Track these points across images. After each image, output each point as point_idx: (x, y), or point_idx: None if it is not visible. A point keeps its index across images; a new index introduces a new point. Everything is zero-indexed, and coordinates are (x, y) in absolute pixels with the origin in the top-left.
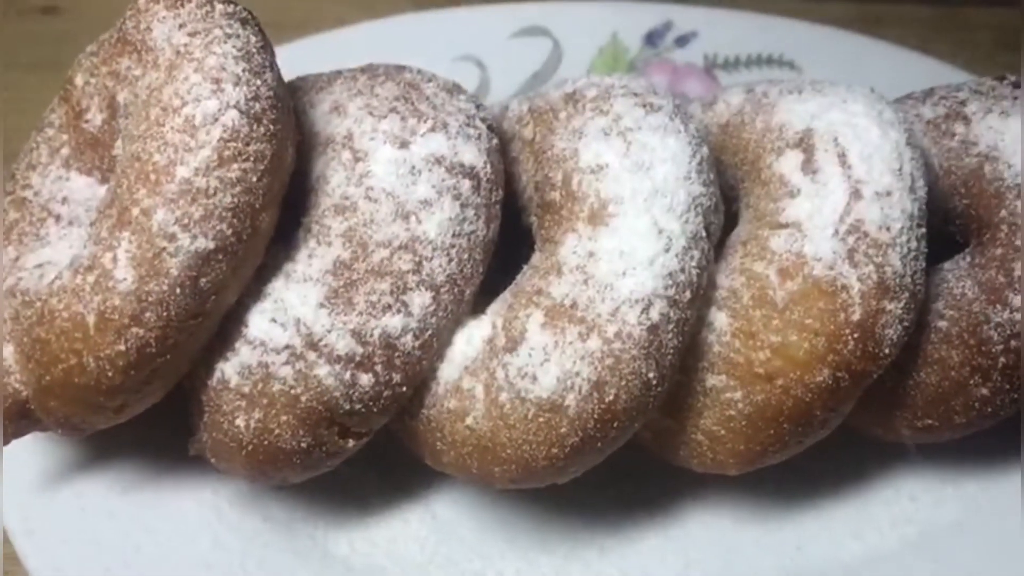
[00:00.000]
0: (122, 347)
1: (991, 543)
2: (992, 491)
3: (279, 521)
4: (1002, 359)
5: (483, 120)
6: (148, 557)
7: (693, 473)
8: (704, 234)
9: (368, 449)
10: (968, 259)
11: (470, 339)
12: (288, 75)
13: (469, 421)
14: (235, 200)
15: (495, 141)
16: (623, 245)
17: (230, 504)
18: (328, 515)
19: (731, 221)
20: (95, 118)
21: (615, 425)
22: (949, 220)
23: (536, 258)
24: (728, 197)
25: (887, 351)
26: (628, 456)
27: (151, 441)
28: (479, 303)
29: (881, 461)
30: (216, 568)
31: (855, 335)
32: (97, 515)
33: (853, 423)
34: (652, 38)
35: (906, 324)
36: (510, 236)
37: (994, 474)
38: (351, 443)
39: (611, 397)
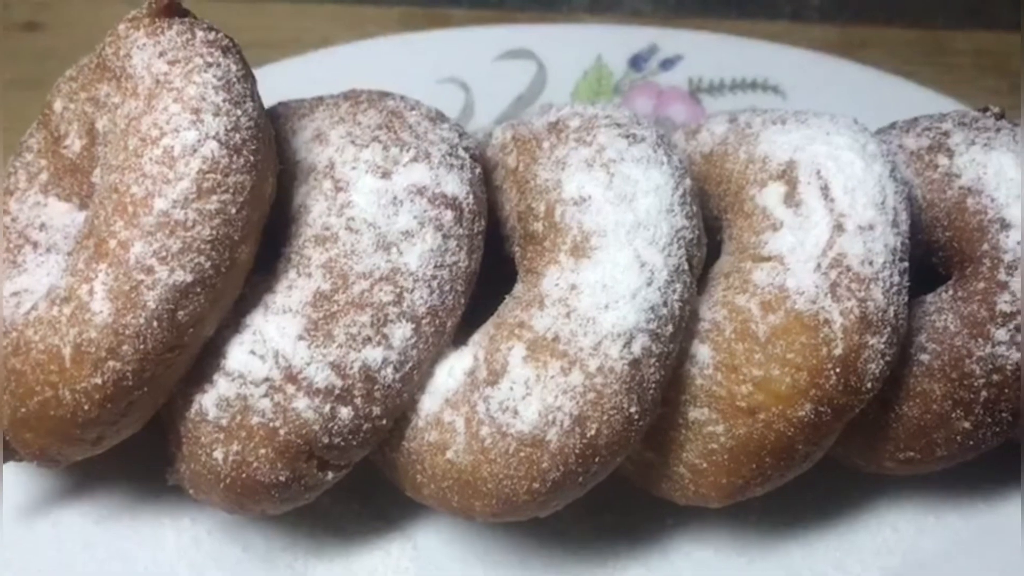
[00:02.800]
0: (99, 380)
1: (973, 574)
2: (974, 522)
3: (259, 551)
4: (984, 393)
5: (466, 149)
6: None
7: (676, 504)
8: (687, 267)
9: (349, 479)
10: (950, 292)
11: (451, 371)
12: (272, 96)
13: (450, 455)
14: (214, 232)
15: (478, 171)
16: (605, 278)
17: (209, 533)
18: (308, 545)
19: (714, 251)
20: (74, 144)
21: (597, 460)
22: (932, 252)
23: (518, 289)
24: (711, 227)
25: (869, 385)
26: (610, 487)
27: (128, 470)
28: (461, 334)
29: (864, 492)
30: None
31: (837, 370)
32: (74, 545)
33: (835, 454)
34: (637, 61)
35: (888, 359)
36: (493, 265)
37: (976, 505)
38: (330, 476)
39: (593, 432)
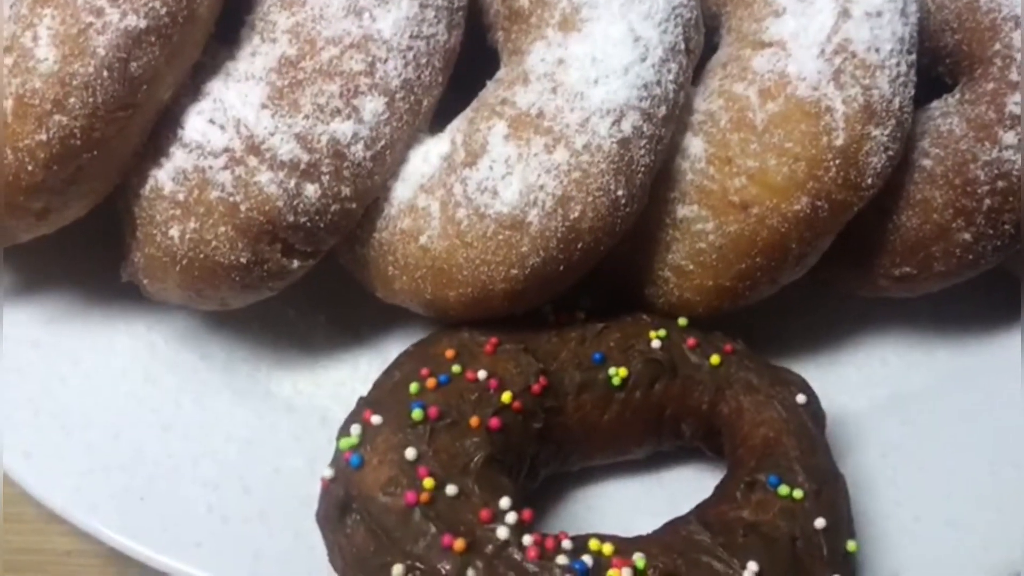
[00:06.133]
0: (43, 137)
1: (960, 408)
2: (963, 358)
3: (218, 359)
4: (987, 201)
5: None
6: (74, 389)
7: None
8: (683, 47)
9: (317, 292)
10: (957, 96)
11: (427, 157)
12: None
13: (423, 240)
14: None
15: None
16: (596, 52)
17: (166, 340)
18: (272, 355)
19: (710, 56)
20: None
21: (579, 246)
22: (938, 60)
23: (501, 72)
24: (708, 28)
25: (870, 181)
26: None
27: (81, 272)
28: (439, 126)
29: (852, 324)
30: (148, 403)
31: (837, 161)
32: (20, 343)
33: (828, 274)
34: None
35: (891, 154)
36: (475, 67)
37: (966, 341)
38: (295, 263)
39: (576, 214)
